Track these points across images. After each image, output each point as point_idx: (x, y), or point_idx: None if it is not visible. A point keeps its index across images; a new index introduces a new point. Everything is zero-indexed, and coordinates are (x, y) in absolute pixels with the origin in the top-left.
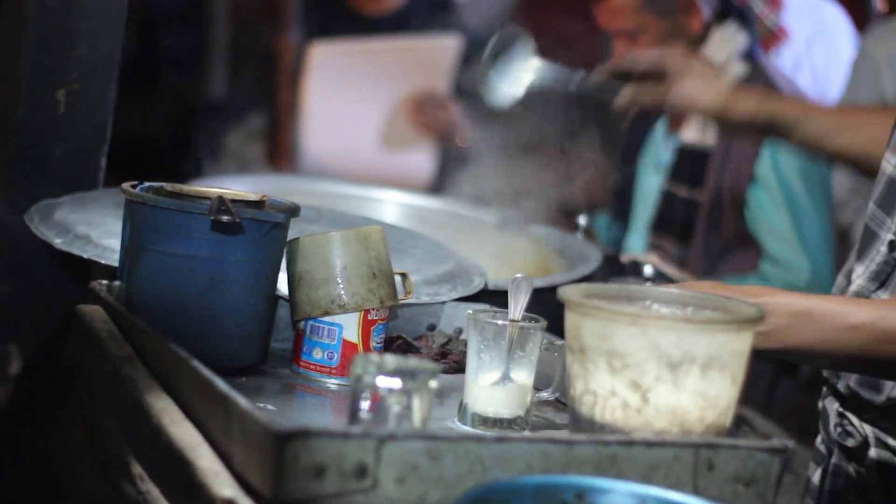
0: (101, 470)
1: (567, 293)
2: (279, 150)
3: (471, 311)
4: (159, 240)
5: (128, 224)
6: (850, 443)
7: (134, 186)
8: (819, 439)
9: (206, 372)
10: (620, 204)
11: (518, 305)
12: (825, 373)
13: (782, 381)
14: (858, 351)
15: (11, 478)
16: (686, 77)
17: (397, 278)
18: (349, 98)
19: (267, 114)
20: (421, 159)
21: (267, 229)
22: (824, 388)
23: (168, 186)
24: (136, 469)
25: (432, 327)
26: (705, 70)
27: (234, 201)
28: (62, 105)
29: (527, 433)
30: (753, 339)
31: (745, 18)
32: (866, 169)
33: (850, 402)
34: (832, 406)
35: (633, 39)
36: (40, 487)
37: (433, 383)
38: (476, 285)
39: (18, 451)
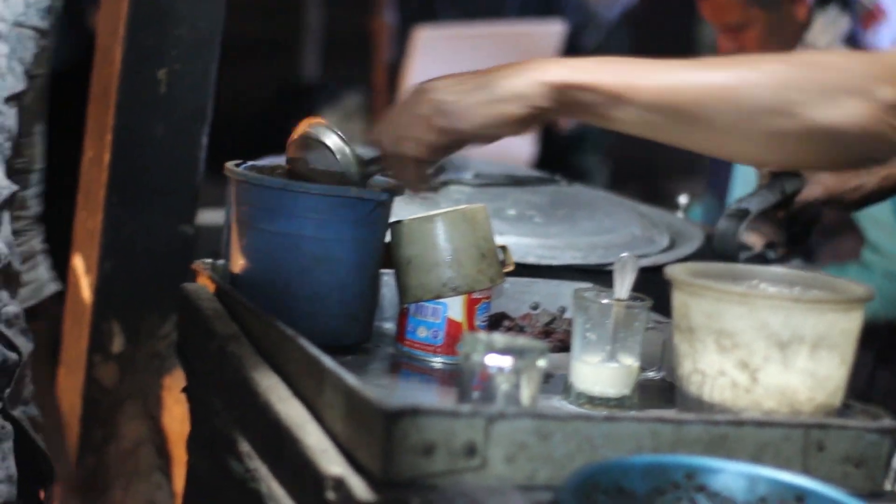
0: (206, 447)
1: (675, 272)
2: None
3: (576, 290)
4: (263, 218)
5: (231, 202)
6: None
7: (237, 165)
8: None
9: (314, 350)
10: (717, 183)
11: (624, 284)
12: None
13: (883, 371)
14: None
15: (111, 455)
16: None
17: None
18: None
19: (362, 95)
20: (521, 143)
21: (371, 207)
22: None
23: (273, 165)
24: (243, 447)
25: (536, 306)
26: None
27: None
28: (163, 84)
29: (633, 412)
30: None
31: (845, 1)
32: None
33: None
34: None
35: (740, 32)
36: (140, 464)
37: (542, 362)
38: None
39: (119, 428)
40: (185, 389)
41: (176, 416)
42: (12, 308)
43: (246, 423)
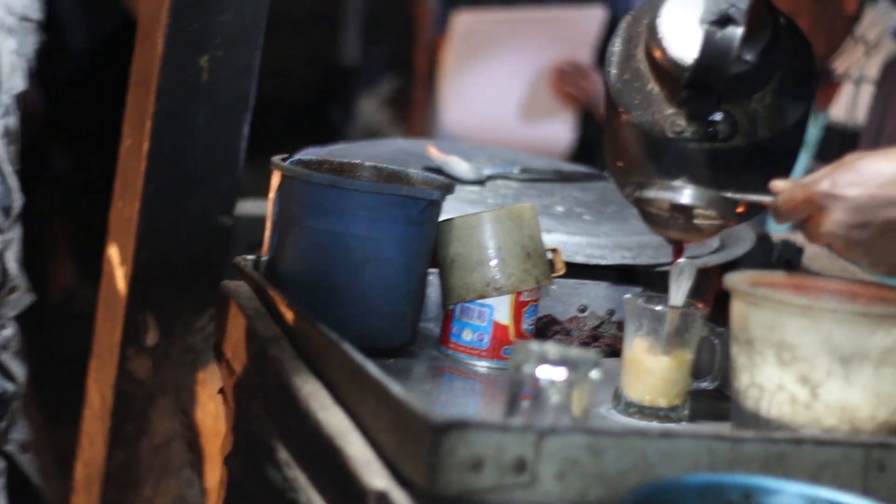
0: (243, 452)
1: (734, 282)
2: (413, 117)
3: (629, 297)
4: (311, 215)
5: (278, 198)
6: None
7: (283, 159)
8: None
9: (358, 356)
10: None
11: (679, 291)
12: None
13: None
14: None
15: (142, 450)
16: None
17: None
18: (490, 67)
19: (401, 80)
20: (561, 129)
21: (422, 206)
22: None
23: (320, 159)
24: (282, 454)
25: (583, 308)
26: None
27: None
28: (205, 72)
29: (692, 427)
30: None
31: None
32: None
33: None
34: None
35: None
36: (171, 460)
37: (595, 374)
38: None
39: (151, 422)
40: (221, 390)
41: (209, 412)
42: (8, 331)
43: (286, 430)
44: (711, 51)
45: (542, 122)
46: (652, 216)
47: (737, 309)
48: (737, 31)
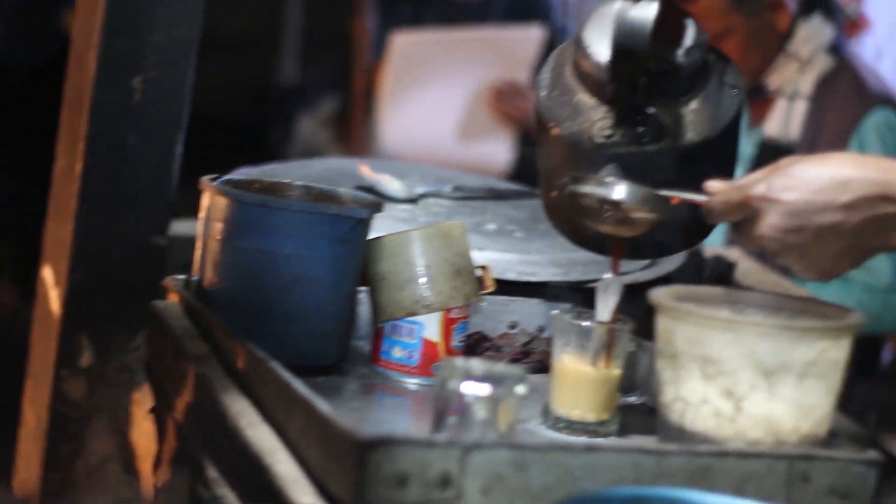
0: (175, 471)
1: (658, 296)
2: (353, 137)
3: (556, 312)
4: (240, 234)
5: (208, 217)
6: None
7: (213, 179)
8: None
9: (285, 374)
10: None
11: (607, 307)
12: None
13: (861, 384)
14: None
15: (77, 471)
16: None
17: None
18: (429, 86)
19: (340, 99)
20: (499, 149)
21: (351, 225)
22: None
23: (249, 179)
24: (211, 472)
25: (514, 325)
26: None
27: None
28: (138, 92)
29: (616, 441)
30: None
31: (829, 10)
32: None
33: None
34: None
35: (721, 41)
36: (107, 481)
37: (521, 389)
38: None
39: (86, 443)
40: (153, 410)
41: (144, 432)
42: None
43: (215, 449)
44: (625, 27)
45: (480, 142)
46: (585, 210)
47: (661, 323)
48: (650, 7)
